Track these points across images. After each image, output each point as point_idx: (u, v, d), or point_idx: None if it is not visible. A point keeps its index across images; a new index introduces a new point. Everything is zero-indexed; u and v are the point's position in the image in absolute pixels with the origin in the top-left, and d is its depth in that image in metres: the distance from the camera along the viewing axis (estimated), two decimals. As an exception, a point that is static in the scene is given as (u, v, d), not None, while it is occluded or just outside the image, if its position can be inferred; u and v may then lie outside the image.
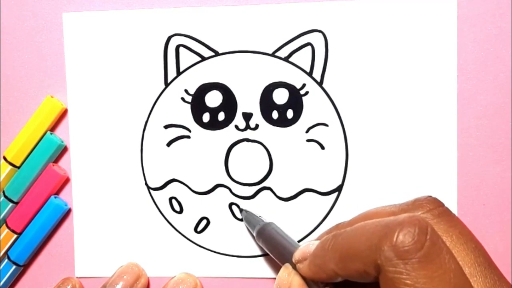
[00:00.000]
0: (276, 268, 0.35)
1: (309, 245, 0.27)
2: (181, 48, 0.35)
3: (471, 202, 0.34)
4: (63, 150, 0.36)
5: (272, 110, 0.34)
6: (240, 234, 0.35)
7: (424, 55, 0.33)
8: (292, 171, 0.35)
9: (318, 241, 0.27)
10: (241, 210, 0.35)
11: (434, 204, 0.26)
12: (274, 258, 0.31)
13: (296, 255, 0.28)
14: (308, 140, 0.34)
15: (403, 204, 0.27)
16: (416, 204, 0.26)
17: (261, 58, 0.34)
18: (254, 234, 0.33)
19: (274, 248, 0.31)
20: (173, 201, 0.35)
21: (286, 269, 0.29)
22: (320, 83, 0.34)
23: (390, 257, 0.22)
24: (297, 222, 0.35)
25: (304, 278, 0.27)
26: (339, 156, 0.34)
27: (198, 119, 0.35)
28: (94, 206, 0.36)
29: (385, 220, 0.23)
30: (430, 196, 0.27)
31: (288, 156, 0.34)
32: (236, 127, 0.35)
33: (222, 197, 0.35)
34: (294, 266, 0.28)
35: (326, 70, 0.34)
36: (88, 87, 0.36)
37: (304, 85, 0.34)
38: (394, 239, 0.22)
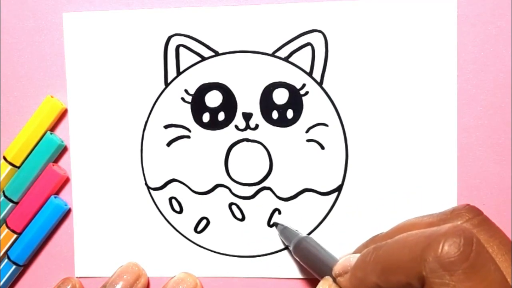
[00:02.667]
0: (276, 268, 0.35)
1: (349, 259, 0.27)
2: (181, 48, 0.35)
3: (471, 202, 0.33)
4: (63, 150, 0.36)
5: (272, 110, 0.34)
6: (240, 234, 0.35)
7: (424, 55, 0.33)
8: (292, 171, 0.35)
9: (358, 255, 0.26)
10: (276, 225, 0.35)
11: (473, 213, 0.26)
12: (312, 272, 0.31)
13: (336, 269, 0.28)
14: (308, 140, 0.34)
15: (441, 214, 0.27)
16: (454, 213, 0.26)
17: (261, 58, 0.34)
18: (291, 248, 0.33)
19: (312, 262, 0.31)
20: (173, 201, 0.36)
21: (326, 281, 0.29)
22: (320, 83, 0.34)
23: (435, 269, 0.21)
24: (297, 222, 0.35)
25: None
26: (339, 156, 0.34)
27: (198, 119, 0.35)
28: (94, 206, 0.36)
29: (428, 231, 0.23)
30: (468, 205, 0.26)
31: (288, 156, 0.34)
32: (236, 127, 0.35)
33: (222, 197, 0.35)
34: (333, 280, 0.28)
35: (326, 70, 0.34)
36: (88, 87, 0.36)
37: (304, 85, 0.34)
38: (439, 250, 0.21)
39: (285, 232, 0.34)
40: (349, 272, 0.27)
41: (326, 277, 0.29)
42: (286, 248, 0.35)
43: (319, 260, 0.31)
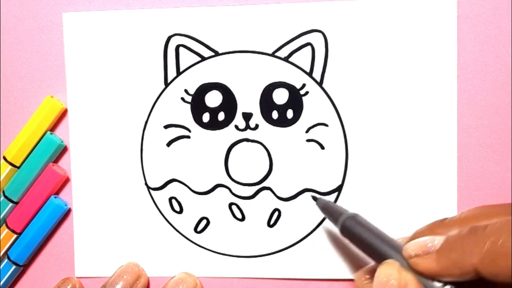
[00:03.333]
0: (276, 268, 0.35)
1: (430, 240, 0.26)
2: (181, 48, 0.35)
3: (471, 202, 0.34)
4: (63, 150, 0.36)
5: (272, 110, 0.34)
6: (240, 234, 0.35)
7: (424, 55, 0.33)
8: (292, 171, 0.35)
9: (435, 237, 0.25)
10: (315, 199, 0.33)
11: None
12: (364, 253, 0.29)
13: (411, 249, 0.26)
14: (308, 140, 0.34)
15: None
16: None
17: (261, 58, 0.34)
18: (338, 227, 0.30)
19: (366, 242, 0.28)
20: (173, 201, 0.35)
21: (391, 265, 0.26)
22: (320, 83, 0.34)
23: None
24: (297, 222, 0.35)
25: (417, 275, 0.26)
26: (339, 156, 0.34)
27: (198, 119, 0.35)
28: (94, 206, 0.36)
29: None
30: None
31: (288, 156, 0.34)
32: (236, 127, 0.35)
33: (222, 197, 0.35)
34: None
35: (326, 70, 0.34)
36: (88, 87, 0.36)
37: (304, 85, 0.34)
38: None
39: (328, 208, 0.32)
40: (435, 253, 0.25)
41: (389, 260, 0.27)
42: (286, 248, 0.35)
43: (377, 240, 0.28)
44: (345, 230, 0.30)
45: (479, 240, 0.23)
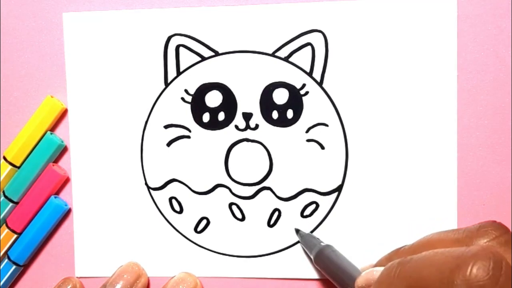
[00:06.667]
0: (276, 268, 0.35)
1: (373, 272, 0.27)
2: (181, 48, 0.35)
3: (471, 202, 0.34)
4: (63, 150, 0.36)
5: (272, 110, 0.34)
6: (240, 234, 0.35)
7: (424, 55, 0.33)
8: (292, 171, 0.35)
9: (381, 268, 0.26)
10: (297, 231, 0.35)
11: (500, 231, 0.25)
12: (333, 282, 0.31)
13: (360, 282, 0.28)
14: (308, 140, 0.34)
15: (467, 230, 0.26)
16: (481, 231, 0.26)
17: (261, 58, 0.34)
18: (312, 257, 0.33)
19: (334, 272, 0.31)
20: (173, 201, 0.36)
21: None
22: (320, 83, 0.34)
23: None
24: (297, 222, 0.35)
25: None
26: (339, 156, 0.34)
27: (198, 119, 0.35)
28: (94, 206, 0.36)
29: (456, 251, 0.23)
30: (495, 222, 0.26)
31: (288, 156, 0.34)
32: (236, 127, 0.35)
33: (222, 197, 0.35)
34: None
35: (326, 70, 0.34)
36: (88, 87, 0.36)
37: (304, 85, 0.34)
38: (468, 272, 0.21)
39: (306, 239, 0.34)
40: (372, 286, 0.26)
41: None
42: (286, 248, 0.35)
43: (342, 271, 0.30)
44: (317, 260, 0.32)
45: (403, 274, 0.24)
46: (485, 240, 0.25)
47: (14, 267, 0.36)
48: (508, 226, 0.33)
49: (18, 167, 0.36)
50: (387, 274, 0.25)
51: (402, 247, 0.30)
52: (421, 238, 0.29)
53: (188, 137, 0.35)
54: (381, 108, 0.34)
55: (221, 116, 0.35)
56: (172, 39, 0.35)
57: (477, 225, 0.26)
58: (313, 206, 0.35)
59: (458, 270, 0.21)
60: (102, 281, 0.35)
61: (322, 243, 0.33)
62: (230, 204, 0.35)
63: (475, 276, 0.21)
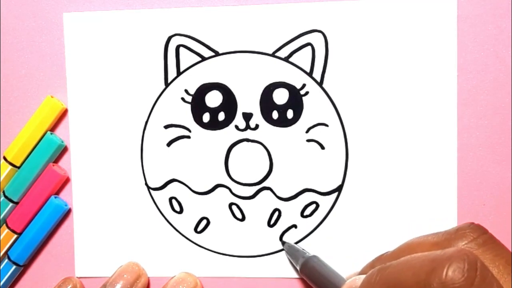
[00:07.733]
0: (276, 268, 0.35)
1: (355, 280, 0.27)
2: (181, 48, 0.35)
3: (471, 202, 0.34)
4: (63, 150, 0.36)
5: (272, 110, 0.34)
6: (240, 234, 0.35)
7: (424, 55, 0.33)
8: (292, 171, 0.35)
9: (363, 276, 0.26)
10: (283, 243, 0.35)
11: (478, 232, 0.25)
12: None
13: None
14: (308, 140, 0.34)
15: (446, 233, 0.26)
16: (459, 233, 0.26)
17: (261, 58, 0.34)
18: (298, 267, 0.33)
19: (319, 282, 0.31)
20: (173, 201, 0.36)
21: None
22: (320, 83, 0.34)
23: None
24: (297, 222, 0.35)
25: None
26: (339, 156, 0.34)
27: (198, 119, 0.35)
28: (94, 206, 0.36)
29: (432, 254, 0.23)
30: (473, 223, 0.26)
31: (288, 156, 0.35)
32: (236, 127, 0.35)
33: (222, 197, 0.35)
34: None
35: (326, 70, 0.34)
36: (88, 87, 0.36)
37: (304, 85, 0.34)
38: (443, 275, 0.21)
39: (291, 250, 0.34)
40: None
41: None
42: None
43: (326, 280, 0.31)
44: (303, 270, 0.33)
45: (382, 281, 0.24)
46: (464, 243, 0.25)
47: (14, 267, 0.36)
48: (508, 226, 0.33)
49: (18, 167, 0.36)
50: (368, 281, 0.25)
51: (385, 253, 0.30)
52: (402, 243, 0.29)
53: (188, 137, 0.35)
54: (381, 108, 0.34)
55: (221, 116, 0.35)
56: (173, 39, 0.35)
57: (455, 227, 0.26)
58: (313, 206, 0.35)
59: (434, 273, 0.21)
60: (102, 281, 0.35)
61: (307, 254, 0.33)
62: (230, 204, 0.35)
63: (451, 278, 0.21)
